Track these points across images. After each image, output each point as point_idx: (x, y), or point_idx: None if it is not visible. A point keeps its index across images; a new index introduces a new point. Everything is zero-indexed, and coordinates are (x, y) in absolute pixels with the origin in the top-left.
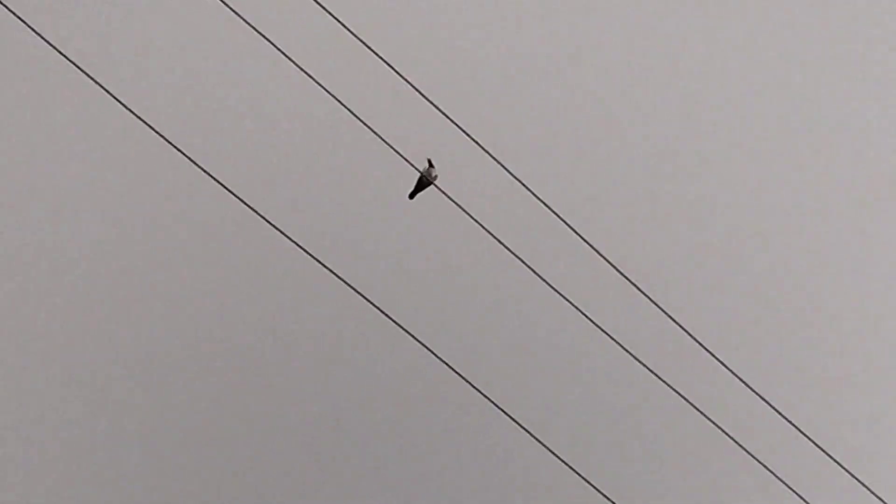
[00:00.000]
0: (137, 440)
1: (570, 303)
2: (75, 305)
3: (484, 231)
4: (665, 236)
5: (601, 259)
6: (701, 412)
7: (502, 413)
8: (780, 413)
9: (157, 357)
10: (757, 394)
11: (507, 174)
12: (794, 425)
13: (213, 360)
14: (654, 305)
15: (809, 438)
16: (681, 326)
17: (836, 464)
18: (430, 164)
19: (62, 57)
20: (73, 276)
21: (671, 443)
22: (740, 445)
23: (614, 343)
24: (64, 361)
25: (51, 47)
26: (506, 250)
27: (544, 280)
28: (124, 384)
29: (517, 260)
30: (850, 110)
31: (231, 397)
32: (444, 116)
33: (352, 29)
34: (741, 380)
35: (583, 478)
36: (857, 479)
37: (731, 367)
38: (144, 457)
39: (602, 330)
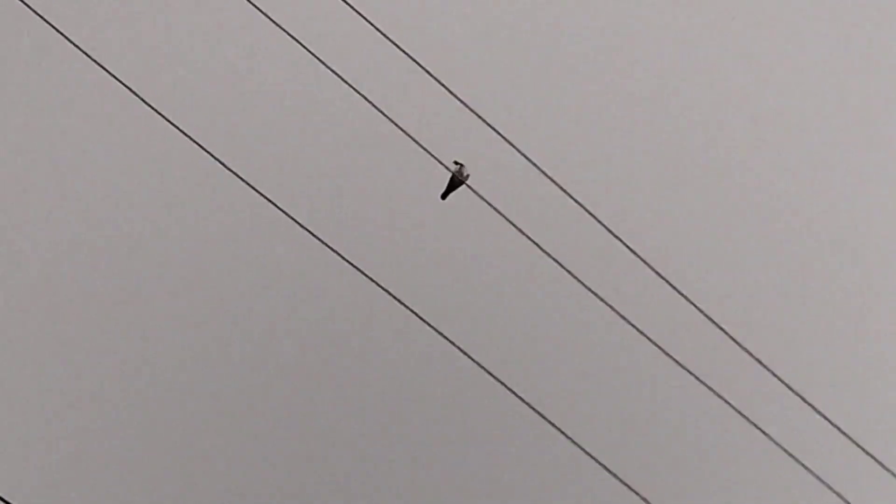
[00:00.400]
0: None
1: (605, 303)
2: (81, 301)
3: (517, 230)
4: (704, 236)
5: (637, 258)
6: (742, 414)
7: (535, 412)
8: (813, 407)
9: (188, 356)
10: (804, 399)
11: (541, 173)
12: (829, 420)
13: (240, 362)
14: (694, 308)
15: (852, 439)
16: (717, 324)
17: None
18: (459, 164)
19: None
20: (82, 271)
21: (704, 441)
22: (796, 459)
23: (650, 342)
24: (68, 359)
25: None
26: (539, 249)
27: (580, 281)
28: (131, 384)
29: (551, 259)
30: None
31: (254, 400)
32: (474, 115)
33: (387, 34)
34: (796, 392)
35: (617, 477)
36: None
37: (785, 380)
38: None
39: (637, 329)
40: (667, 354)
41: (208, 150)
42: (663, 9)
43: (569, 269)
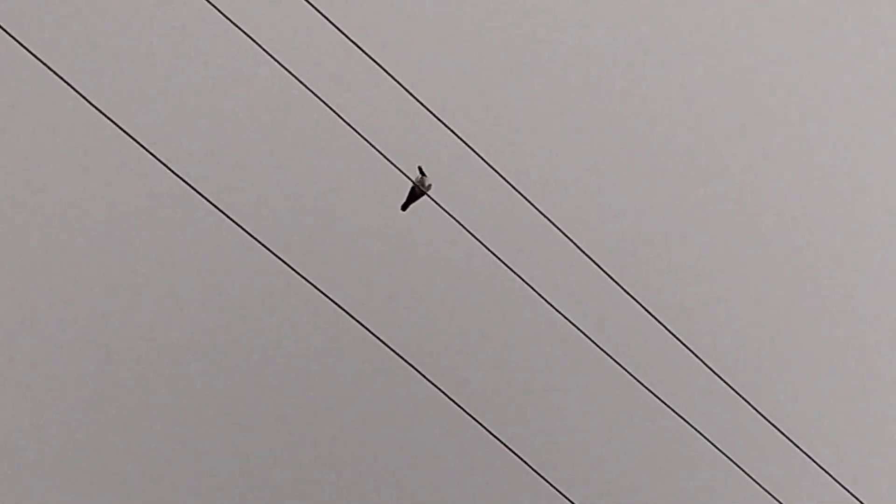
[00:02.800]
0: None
1: (569, 320)
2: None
3: (479, 243)
4: (667, 249)
5: (599, 270)
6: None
7: (497, 440)
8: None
9: (151, 385)
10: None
11: (505, 183)
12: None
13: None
14: (652, 318)
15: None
16: (679, 339)
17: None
18: (422, 172)
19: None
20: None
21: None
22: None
23: (608, 357)
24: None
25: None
26: (501, 263)
27: (541, 295)
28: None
29: (512, 272)
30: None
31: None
32: (438, 122)
33: (347, 32)
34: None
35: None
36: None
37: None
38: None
39: (598, 346)
40: (628, 372)
41: (161, 158)
42: (631, 25)
43: (532, 283)
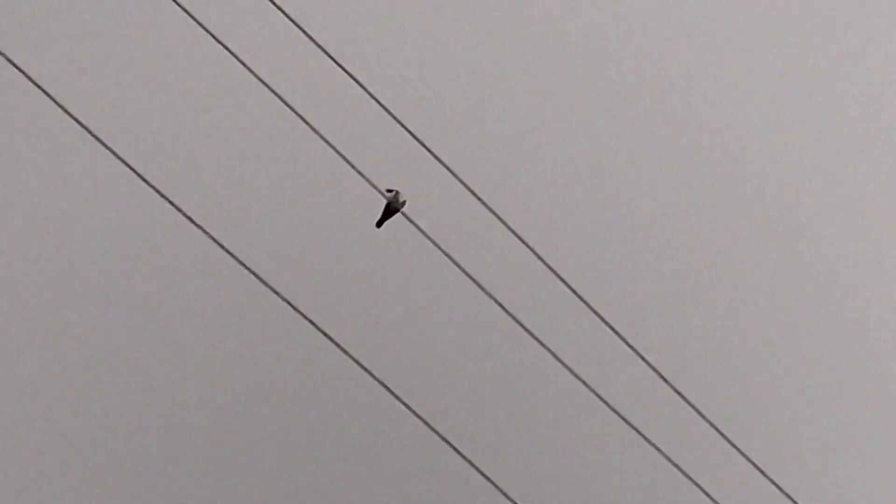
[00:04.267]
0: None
1: (540, 342)
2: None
3: (451, 261)
4: (641, 275)
5: (571, 291)
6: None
7: (476, 470)
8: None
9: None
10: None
11: (479, 202)
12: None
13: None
14: (628, 347)
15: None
16: (653, 368)
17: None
18: (393, 191)
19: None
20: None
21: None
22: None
23: (582, 383)
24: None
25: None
26: (474, 282)
27: (514, 318)
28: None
29: (484, 292)
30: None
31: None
32: (414, 139)
33: (326, 48)
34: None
35: None
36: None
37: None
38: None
39: (569, 369)
40: (605, 402)
41: (137, 170)
42: (613, 37)
43: (505, 303)
